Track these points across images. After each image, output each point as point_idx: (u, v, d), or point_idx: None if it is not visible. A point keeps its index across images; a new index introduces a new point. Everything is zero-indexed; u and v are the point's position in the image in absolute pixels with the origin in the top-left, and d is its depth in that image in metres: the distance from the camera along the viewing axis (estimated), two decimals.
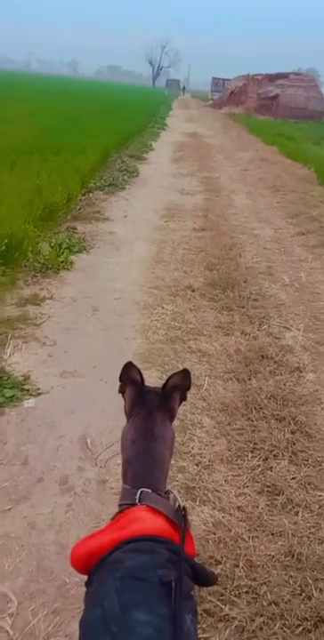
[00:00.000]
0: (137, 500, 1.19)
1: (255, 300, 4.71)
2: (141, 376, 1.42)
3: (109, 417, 2.95)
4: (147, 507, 1.17)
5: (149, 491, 1.22)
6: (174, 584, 0.98)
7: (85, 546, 1.15)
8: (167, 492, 1.30)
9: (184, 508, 1.20)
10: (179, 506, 1.22)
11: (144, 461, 1.30)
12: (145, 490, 1.22)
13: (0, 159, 7.96)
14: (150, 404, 1.38)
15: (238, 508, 2.41)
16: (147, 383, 1.44)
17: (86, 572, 1.13)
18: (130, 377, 1.42)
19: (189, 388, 1.43)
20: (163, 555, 1.05)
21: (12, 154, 8.48)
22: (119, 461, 2.56)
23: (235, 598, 1.97)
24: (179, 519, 1.17)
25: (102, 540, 1.11)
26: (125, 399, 1.46)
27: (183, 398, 1.45)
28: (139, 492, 1.21)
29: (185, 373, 1.41)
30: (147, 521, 1.14)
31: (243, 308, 4.52)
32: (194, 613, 1.02)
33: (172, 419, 1.41)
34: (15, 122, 13.36)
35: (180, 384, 1.41)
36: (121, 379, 1.44)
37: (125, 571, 1.01)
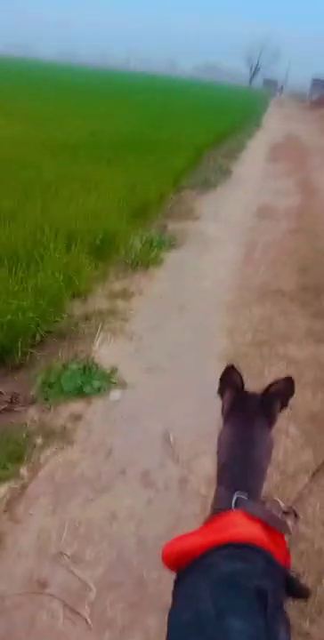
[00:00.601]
0: (233, 505, 1.17)
1: None
2: (242, 380, 1.39)
3: (191, 415, 2.95)
4: (243, 512, 1.15)
5: (245, 496, 1.19)
6: (270, 594, 0.96)
7: (178, 544, 1.14)
8: (264, 500, 1.26)
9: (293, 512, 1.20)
10: (283, 511, 1.20)
11: (241, 466, 1.28)
12: (241, 495, 1.19)
13: (98, 155, 8.22)
14: (250, 409, 1.36)
15: (323, 521, 2.31)
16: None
17: (176, 569, 1.13)
18: (231, 379, 1.40)
19: (291, 396, 1.38)
20: (259, 564, 1.03)
21: (108, 150, 8.72)
22: (201, 462, 2.57)
23: (316, 615, 1.90)
24: (278, 525, 1.15)
25: (197, 542, 1.10)
26: (223, 401, 1.44)
27: (284, 405, 1.40)
28: (235, 496, 1.19)
29: (288, 381, 1.37)
30: (243, 526, 1.12)
31: None
32: (287, 625, 1.00)
33: (271, 425, 1.37)
34: (112, 119, 13.74)
35: (282, 391, 1.37)
36: (222, 380, 1.42)
37: (220, 576, 1.00)
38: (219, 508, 1.20)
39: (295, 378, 3.39)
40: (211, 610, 0.93)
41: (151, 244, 5.50)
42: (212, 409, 3.01)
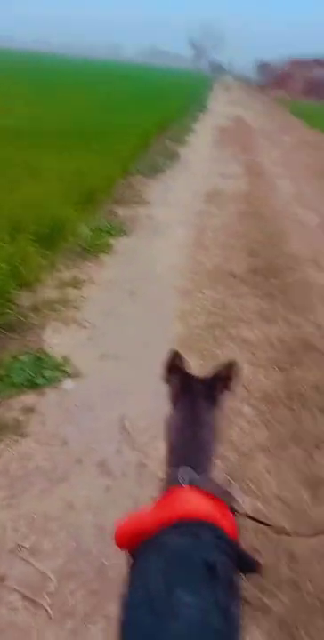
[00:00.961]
0: (182, 481, 1.20)
1: (299, 288, 4.61)
2: (187, 365, 1.43)
3: (146, 400, 2.95)
4: (192, 488, 1.18)
5: (193, 471, 1.22)
6: (220, 568, 0.99)
7: (129, 524, 1.17)
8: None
9: (229, 492, 1.22)
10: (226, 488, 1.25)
11: (190, 446, 1.31)
12: (191, 472, 1.21)
13: (43, 142, 8.04)
14: (196, 392, 1.39)
15: (280, 498, 2.37)
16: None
17: (129, 550, 1.14)
18: (175, 365, 1.43)
19: (234, 379, 1.42)
20: (209, 539, 1.06)
21: (53, 137, 8.55)
22: (157, 445, 2.57)
23: (276, 590, 1.95)
24: (227, 499, 1.19)
25: (148, 521, 1.13)
26: (169, 387, 1.47)
27: (228, 389, 1.43)
28: (185, 473, 1.22)
29: (231, 365, 1.41)
30: (192, 503, 1.14)
31: (286, 295, 4.44)
32: (238, 598, 1.03)
33: (217, 407, 1.40)
34: (57, 106, 13.46)
35: (225, 375, 1.41)
36: (166, 367, 1.44)
37: (171, 553, 1.02)
38: (169, 486, 1.22)
39: (248, 359, 3.48)
40: (161, 586, 0.95)
41: (101, 231, 5.44)
42: (166, 393, 3.02)
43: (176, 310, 4.08)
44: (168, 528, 1.08)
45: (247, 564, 1.16)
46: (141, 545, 1.09)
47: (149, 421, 2.78)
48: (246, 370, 3.32)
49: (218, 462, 2.51)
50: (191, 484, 1.19)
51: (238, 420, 2.86)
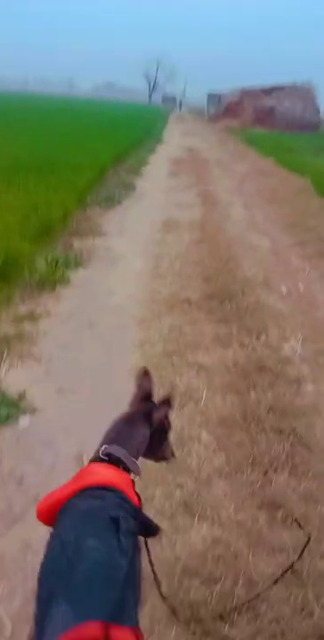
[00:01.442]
0: (101, 454, 1.42)
1: (252, 311, 4.69)
2: (151, 385, 1.70)
3: (103, 428, 2.92)
4: (103, 462, 1.40)
5: (115, 447, 1.45)
6: (122, 520, 1.17)
7: (48, 499, 1.34)
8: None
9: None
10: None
11: (115, 433, 1.54)
12: (112, 446, 1.44)
13: None
14: (139, 408, 1.63)
15: (238, 523, 2.37)
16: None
17: (52, 524, 1.28)
18: (140, 382, 1.71)
19: (170, 410, 1.70)
20: (112, 500, 1.25)
21: (8, 172, 8.50)
22: None
23: (235, 617, 1.93)
24: (132, 467, 1.43)
25: (63, 492, 1.30)
26: (134, 392, 1.74)
27: (165, 416, 1.67)
28: (103, 447, 1.44)
29: (167, 401, 1.67)
30: (99, 474, 1.34)
31: (241, 319, 4.50)
32: (138, 550, 1.23)
33: (150, 427, 1.60)
34: (11, 141, 13.44)
35: (165, 407, 1.66)
36: (137, 377, 1.74)
37: (79, 512, 1.22)
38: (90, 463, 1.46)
39: (206, 384, 3.48)
40: (72, 538, 1.13)
41: (57, 264, 5.42)
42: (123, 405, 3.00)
43: (134, 340, 4.09)
44: (78, 494, 1.27)
45: (149, 528, 1.35)
46: (58, 513, 1.26)
47: None
48: (203, 395, 3.34)
49: (177, 491, 2.51)
50: (110, 457, 1.41)
51: (196, 446, 2.86)
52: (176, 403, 3.22)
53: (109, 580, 1.06)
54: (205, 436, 2.96)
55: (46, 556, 1.17)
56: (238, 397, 3.35)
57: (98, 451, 1.46)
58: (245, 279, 5.51)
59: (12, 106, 36.20)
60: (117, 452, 1.43)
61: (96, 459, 1.44)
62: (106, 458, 1.41)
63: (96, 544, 1.11)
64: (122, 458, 1.42)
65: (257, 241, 7.23)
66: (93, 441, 2.82)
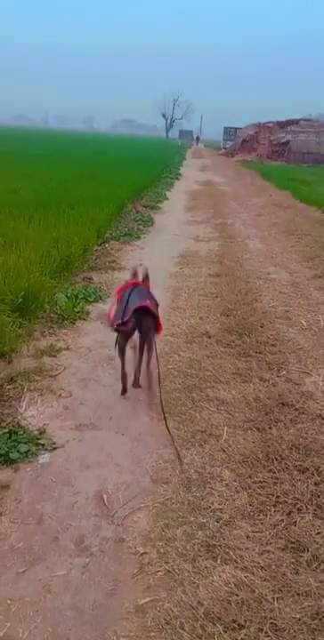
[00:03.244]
0: (138, 267, 4.20)
1: (272, 345, 4.64)
2: (137, 275, 4.08)
3: (125, 471, 2.88)
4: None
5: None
6: (150, 301, 3.67)
7: (110, 310, 3.66)
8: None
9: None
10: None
11: (140, 291, 3.71)
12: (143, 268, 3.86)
13: (18, 213, 8.13)
14: (137, 281, 3.92)
15: (262, 566, 2.29)
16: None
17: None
18: (132, 274, 4.14)
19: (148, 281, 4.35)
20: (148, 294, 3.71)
21: (29, 207, 8.66)
22: (137, 518, 2.49)
23: None
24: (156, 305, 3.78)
25: (118, 295, 3.71)
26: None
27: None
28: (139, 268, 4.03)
29: (146, 275, 4.11)
30: (138, 280, 3.95)
31: (261, 353, 4.45)
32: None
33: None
34: (33, 177, 13.73)
35: (147, 280, 4.12)
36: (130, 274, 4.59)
37: (129, 290, 3.58)
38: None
39: (227, 420, 3.43)
40: (126, 297, 3.51)
41: (77, 298, 5.45)
42: (145, 463, 2.96)
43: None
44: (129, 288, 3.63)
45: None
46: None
47: (128, 493, 2.71)
48: (224, 432, 3.28)
49: (199, 532, 2.45)
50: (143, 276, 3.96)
51: (217, 485, 2.79)
52: (196, 436, 3.18)
53: (149, 293, 3.73)
54: (227, 474, 2.89)
55: (115, 303, 3.55)
56: (260, 434, 3.28)
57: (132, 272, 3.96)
58: (264, 312, 5.47)
59: (33, 142, 37.14)
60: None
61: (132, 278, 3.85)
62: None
63: (136, 298, 3.49)
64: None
65: (275, 274, 7.19)
66: (113, 478, 2.80)
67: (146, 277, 3.87)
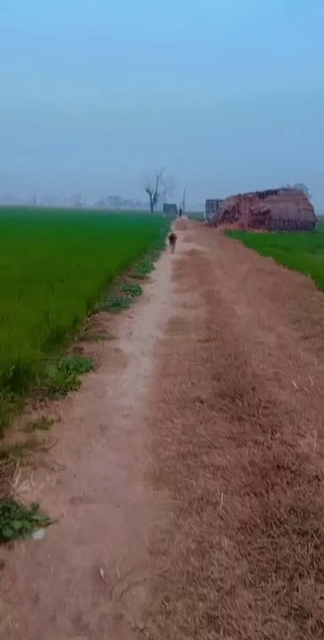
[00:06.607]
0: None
1: (265, 407, 4.64)
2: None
3: (121, 544, 2.81)
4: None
5: None
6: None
7: None
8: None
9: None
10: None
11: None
12: None
13: (8, 288, 8.23)
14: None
15: (266, 636, 2.21)
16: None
17: None
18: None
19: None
20: None
21: (19, 283, 8.78)
22: (135, 592, 2.41)
23: None
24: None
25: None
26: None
27: None
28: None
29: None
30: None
31: (254, 416, 4.45)
32: None
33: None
34: (22, 253, 13.98)
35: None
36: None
37: None
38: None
39: (223, 486, 3.38)
40: None
41: (68, 368, 5.45)
42: (142, 534, 2.89)
43: (147, 443, 4.02)
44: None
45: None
46: None
47: (125, 567, 2.63)
48: (221, 498, 3.23)
49: (199, 603, 2.36)
50: None
51: (216, 554, 2.73)
52: (193, 505, 3.11)
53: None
54: (225, 542, 2.83)
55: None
56: (258, 499, 3.23)
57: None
58: (254, 375, 5.50)
59: (21, 220, 37.99)
60: None
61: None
62: None
63: None
64: None
65: (263, 337, 7.27)
66: (109, 552, 2.72)
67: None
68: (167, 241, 22.02)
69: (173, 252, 20.64)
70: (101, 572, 2.60)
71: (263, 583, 2.52)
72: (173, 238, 21.21)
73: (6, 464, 3.55)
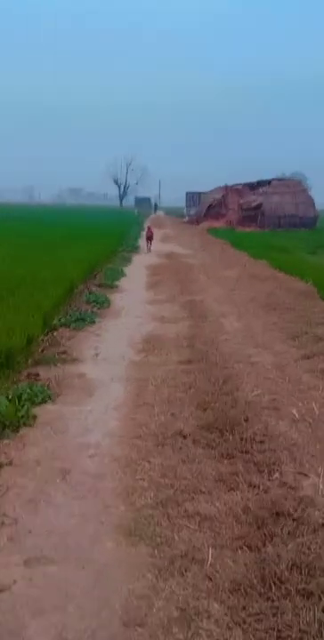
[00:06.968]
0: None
1: (260, 442, 4.66)
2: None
3: (88, 614, 2.77)
4: None
5: None
6: None
7: None
8: None
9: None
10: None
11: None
12: None
13: None
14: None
15: None
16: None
17: None
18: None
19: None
20: None
21: None
22: None
23: None
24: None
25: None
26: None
27: None
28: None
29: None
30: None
31: (247, 453, 4.46)
32: None
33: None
34: None
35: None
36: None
37: None
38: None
39: (211, 540, 3.38)
40: None
41: (20, 399, 5.39)
42: (114, 602, 2.86)
43: (118, 489, 4.00)
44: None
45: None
46: None
47: (92, 637, 2.58)
48: (209, 555, 3.22)
49: None
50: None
51: (204, 623, 2.71)
52: (175, 563, 3.09)
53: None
54: (215, 608, 2.81)
55: None
56: (253, 554, 3.23)
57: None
58: (247, 403, 5.53)
59: None
60: None
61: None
62: None
63: None
64: None
65: (258, 356, 7.33)
66: (73, 624, 2.67)
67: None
68: (143, 240, 23.08)
69: (150, 250, 22.32)
70: None
71: None
72: (150, 238, 22.95)
73: None
